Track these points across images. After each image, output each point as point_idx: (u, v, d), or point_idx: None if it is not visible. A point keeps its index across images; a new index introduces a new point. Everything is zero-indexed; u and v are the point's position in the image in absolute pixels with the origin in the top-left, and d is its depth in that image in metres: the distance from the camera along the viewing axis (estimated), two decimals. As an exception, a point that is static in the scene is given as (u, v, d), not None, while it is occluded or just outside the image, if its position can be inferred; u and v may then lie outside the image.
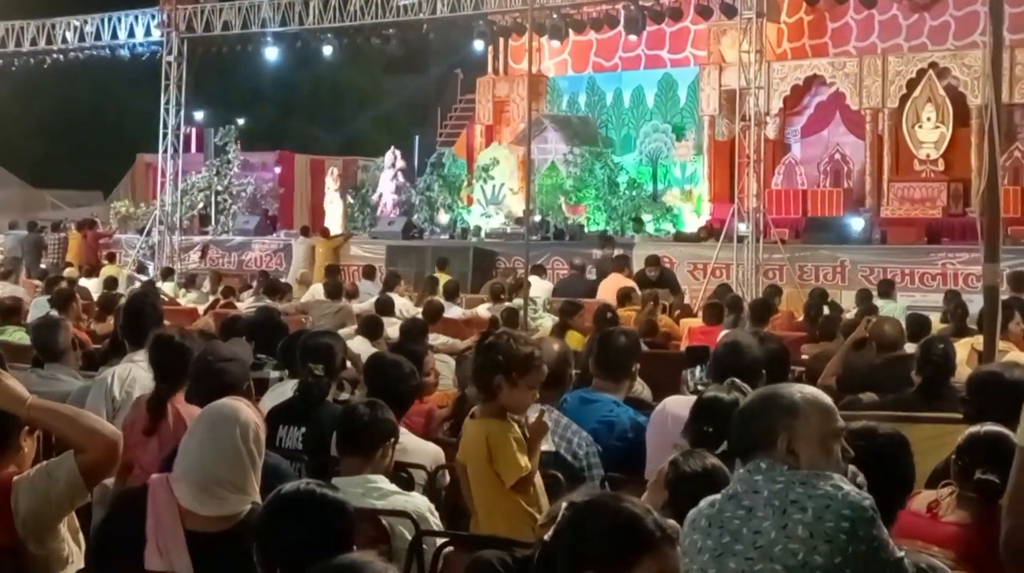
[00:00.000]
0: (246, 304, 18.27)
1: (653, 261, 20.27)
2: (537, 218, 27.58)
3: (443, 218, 31.63)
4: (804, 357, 11.88)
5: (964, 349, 9.69)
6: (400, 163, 32.56)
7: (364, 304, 17.35)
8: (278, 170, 36.04)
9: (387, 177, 32.48)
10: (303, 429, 6.84)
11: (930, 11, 28.23)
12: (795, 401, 4.11)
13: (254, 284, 21.83)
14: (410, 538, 5.39)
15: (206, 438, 4.67)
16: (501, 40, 32.32)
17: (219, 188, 33.67)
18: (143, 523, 4.59)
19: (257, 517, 4.13)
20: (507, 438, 5.82)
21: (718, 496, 4.14)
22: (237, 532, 4.42)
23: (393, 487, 5.70)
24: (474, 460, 5.92)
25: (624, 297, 16.66)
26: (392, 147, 33.24)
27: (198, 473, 4.60)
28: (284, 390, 7.71)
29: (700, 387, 6.69)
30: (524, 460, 5.79)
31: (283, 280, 22.25)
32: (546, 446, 6.04)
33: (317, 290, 19.02)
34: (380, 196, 32.37)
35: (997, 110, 6.57)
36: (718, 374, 6.63)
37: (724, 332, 12.57)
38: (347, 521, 3.97)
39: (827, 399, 4.11)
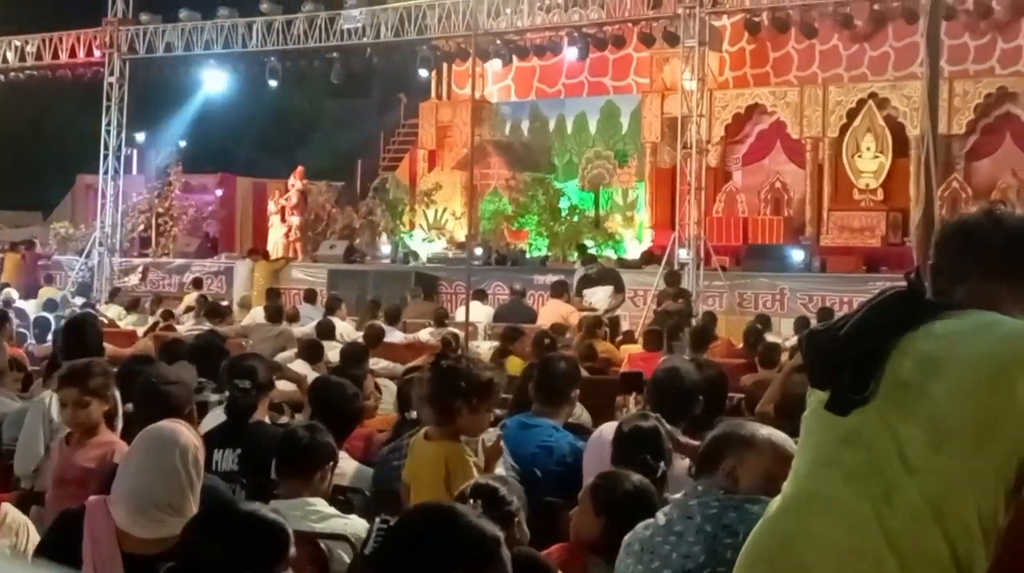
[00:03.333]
0: (186, 327, 18.19)
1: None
2: (479, 244, 27.60)
3: (385, 242, 31.58)
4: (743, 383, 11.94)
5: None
6: (299, 184, 32.14)
7: (305, 328, 17.31)
8: (220, 192, 35.87)
9: (289, 196, 32.07)
10: (238, 451, 6.84)
11: (870, 42, 28.49)
12: (757, 435, 4.16)
13: (188, 292, 21.65)
14: (348, 561, 5.40)
15: (145, 460, 4.68)
16: (445, 65, 32.36)
17: (160, 210, 33.46)
18: (80, 544, 4.59)
19: (186, 532, 4.11)
20: (466, 460, 5.88)
21: (652, 520, 4.18)
22: (174, 555, 4.42)
23: (332, 510, 5.72)
24: (428, 480, 5.95)
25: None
26: (297, 166, 32.84)
27: (136, 495, 4.61)
28: (221, 414, 7.71)
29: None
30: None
31: (224, 303, 22.15)
32: (499, 470, 6.08)
33: (257, 313, 18.95)
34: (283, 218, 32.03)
35: (934, 141, 6.66)
36: (656, 400, 6.69)
37: (663, 358, 12.65)
38: (281, 541, 3.97)
39: (791, 447, 4.09)
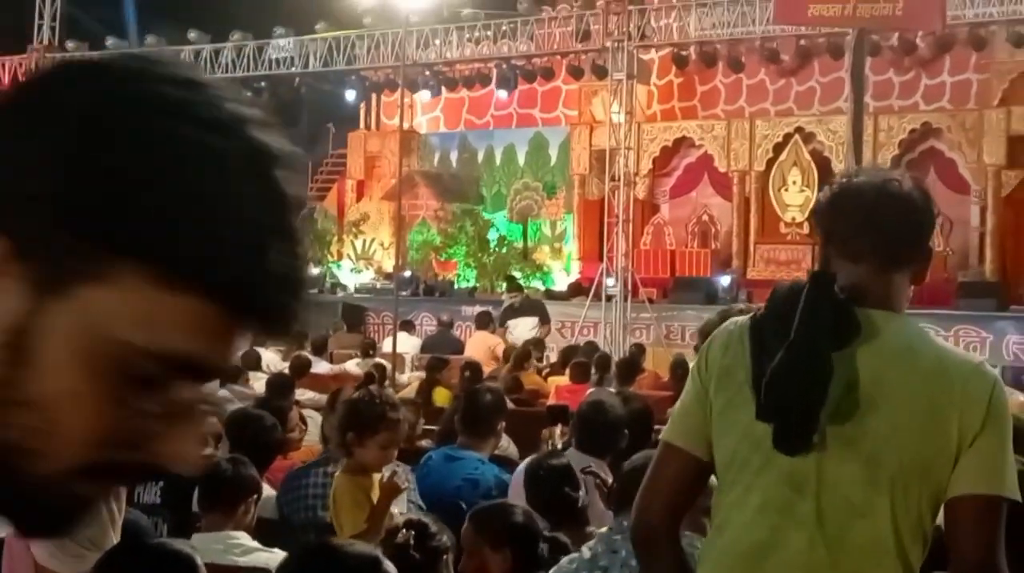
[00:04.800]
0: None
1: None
2: (407, 274, 27.56)
3: (312, 272, 31.41)
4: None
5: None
6: None
7: (230, 358, 17.17)
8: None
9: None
10: (161, 483, 6.77)
11: (796, 76, 28.76)
12: None
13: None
14: (271, 596, 5.35)
15: (64, 493, 4.61)
16: (373, 95, 32.37)
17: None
18: (-3, 580, 4.52)
19: (98, 568, 4.06)
20: (348, 493, 5.87)
21: (577, 554, 4.17)
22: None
23: (255, 544, 5.67)
24: (333, 512, 5.97)
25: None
26: None
27: (55, 529, 4.54)
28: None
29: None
30: (361, 518, 5.79)
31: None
32: (395, 509, 5.99)
33: (183, 343, 18.80)
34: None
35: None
36: (581, 433, 6.69)
37: (590, 390, 12.66)
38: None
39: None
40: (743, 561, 2.99)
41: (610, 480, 5.86)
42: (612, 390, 10.16)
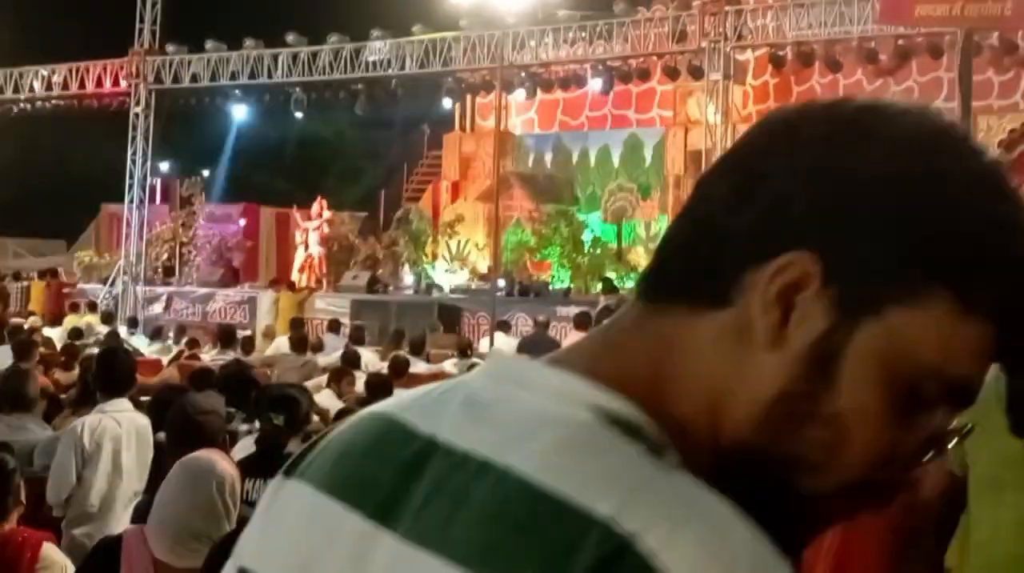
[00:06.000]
0: (210, 356, 18.21)
1: None
2: (502, 275, 27.62)
3: (408, 273, 31.63)
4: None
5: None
6: (326, 214, 32.25)
7: (330, 357, 17.32)
8: (243, 222, 35.97)
9: (312, 227, 32.13)
10: (270, 481, 6.82)
11: (894, 76, 28.50)
12: None
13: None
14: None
15: (182, 490, 4.70)
16: (468, 97, 32.48)
17: (184, 239, 33.60)
18: (117, 574, 4.61)
19: (212, 553, 4.15)
20: None
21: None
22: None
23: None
24: None
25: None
26: (319, 197, 32.92)
27: (173, 525, 4.63)
28: (250, 443, 7.73)
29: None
30: None
31: (247, 333, 22.16)
32: None
33: (282, 343, 18.94)
34: (307, 247, 32.10)
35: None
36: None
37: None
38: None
39: None
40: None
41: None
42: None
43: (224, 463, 4.85)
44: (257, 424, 8.17)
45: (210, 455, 4.90)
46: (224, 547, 4.13)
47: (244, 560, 1.15)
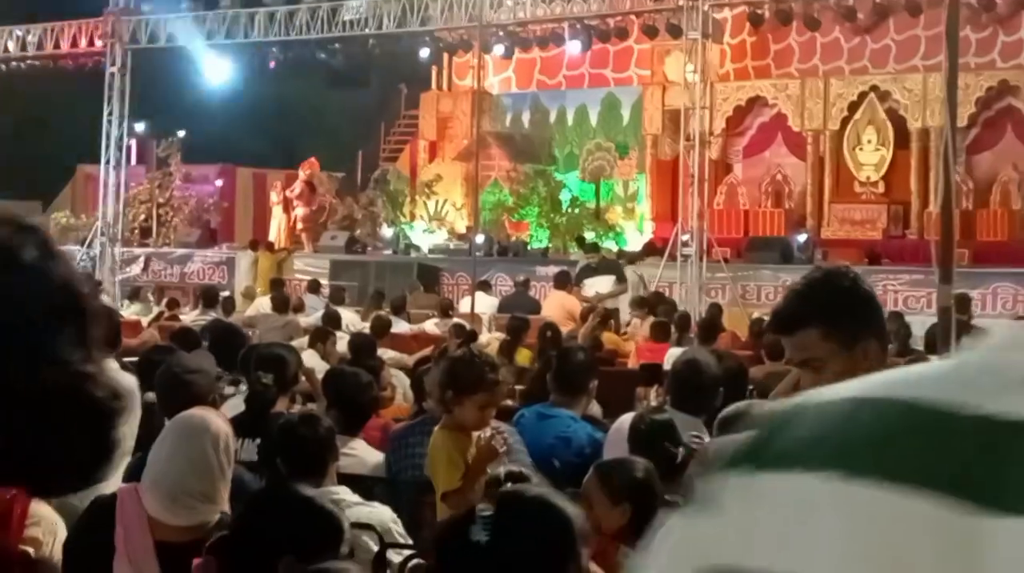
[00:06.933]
0: (191, 317, 18.19)
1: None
2: (480, 235, 27.61)
3: (386, 233, 31.56)
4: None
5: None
6: (302, 173, 32.00)
7: (310, 318, 17.33)
8: (220, 183, 35.86)
9: (295, 194, 31.87)
10: (258, 441, 6.84)
11: (871, 34, 28.52)
12: None
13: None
14: (375, 550, 5.41)
15: (176, 448, 4.69)
16: (446, 56, 32.39)
17: (161, 200, 33.48)
18: (112, 533, 4.61)
19: (244, 510, 4.16)
20: (444, 449, 5.89)
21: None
22: (206, 542, 4.45)
23: (356, 498, 5.70)
24: (432, 469, 6.03)
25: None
26: (311, 158, 32.75)
27: (168, 483, 4.62)
28: (239, 402, 7.73)
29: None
30: (456, 475, 5.81)
31: (227, 293, 22.12)
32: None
33: (263, 304, 18.95)
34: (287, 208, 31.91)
35: (953, 134, 6.68)
36: (676, 393, 6.70)
37: (671, 350, 12.68)
38: (335, 531, 4.02)
39: None
40: None
41: (707, 440, 5.87)
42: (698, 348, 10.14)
43: (217, 420, 4.84)
44: (243, 386, 8.18)
45: (204, 412, 4.90)
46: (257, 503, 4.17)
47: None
